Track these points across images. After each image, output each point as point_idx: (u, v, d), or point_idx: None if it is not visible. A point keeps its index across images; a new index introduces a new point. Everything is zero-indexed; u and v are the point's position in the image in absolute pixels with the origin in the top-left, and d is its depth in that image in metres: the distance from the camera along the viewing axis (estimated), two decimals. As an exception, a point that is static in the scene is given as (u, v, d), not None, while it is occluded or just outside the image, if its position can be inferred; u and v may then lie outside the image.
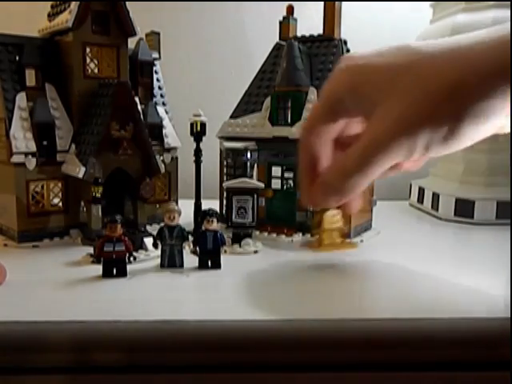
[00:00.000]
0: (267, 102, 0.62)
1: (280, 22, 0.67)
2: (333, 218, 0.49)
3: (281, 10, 0.67)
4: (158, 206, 0.64)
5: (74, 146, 0.55)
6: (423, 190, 0.79)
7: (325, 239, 0.50)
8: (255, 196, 0.56)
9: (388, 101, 0.34)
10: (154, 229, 0.57)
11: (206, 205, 0.55)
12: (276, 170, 0.62)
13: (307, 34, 0.65)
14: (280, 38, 0.67)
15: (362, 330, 0.34)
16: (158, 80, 0.67)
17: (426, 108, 0.32)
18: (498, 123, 0.32)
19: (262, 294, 0.41)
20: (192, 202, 0.59)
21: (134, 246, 0.47)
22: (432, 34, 0.74)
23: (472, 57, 0.31)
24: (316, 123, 0.37)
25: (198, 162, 0.58)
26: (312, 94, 0.60)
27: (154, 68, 0.66)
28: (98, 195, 0.53)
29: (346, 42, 0.64)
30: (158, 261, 0.47)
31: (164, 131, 0.64)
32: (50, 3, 0.60)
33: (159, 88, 0.67)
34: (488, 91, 0.31)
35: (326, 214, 0.49)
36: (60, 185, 0.56)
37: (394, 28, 0.94)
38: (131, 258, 0.46)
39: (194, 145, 0.58)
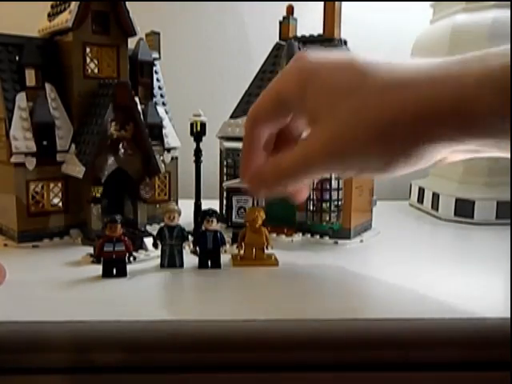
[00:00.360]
0: (267, 102, 0.62)
1: (280, 22, 0.67)
2: (255, 235, 0.49)
3: (281, 10, 0.67)
4: (157, 206, 0.64)
5: (73, 146, 0.55)
6: (423, 190, 0.79)
7: (244, 254, 0.49)
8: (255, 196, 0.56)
9: (328, 118, 0.34)
10: (153, 229, 0.57)
11: (205, 205, 0.55)
12: (276, 170, 0.62)
13: (307, 34, 0.65)
14: (280, 38, 0.67)
15: (362, 330, 0.34)
16: (158, 80, 0.67)
17: (359, 140, 0.32)
18: (435, 159, 0.33)
19: (262, 294, 0.41)
20: (192, 202, 0.59)
21: (133, 246, 0.47)
22: (432, 34, 0.74)
23: (412, 96, 0.31)
24: (260, 115, 0.38)
25: (197, 162, 0.58)
26: (312, 94, 0.60)
27: (154, 68, 0.66)
28: (98, 195, 0.53)
29: (345, 42, 0.64)
30: (158, 261, 0.47)
31: (164, 131, 0.64)
32: (49, 3, 0.60)
33: (159, 88, 0.67)
34: (420, 136, 0.31)
35: (248, 229, 0.49)
36: (60, 185, 0.56)
37: (394, 28, 0.94)
38: (131, 258, 0.46)
39: (194, 145, 0.58)
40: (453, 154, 0.34)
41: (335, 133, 0.34)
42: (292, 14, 0.67)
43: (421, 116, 0.30)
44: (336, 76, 0.35)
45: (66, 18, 0.54)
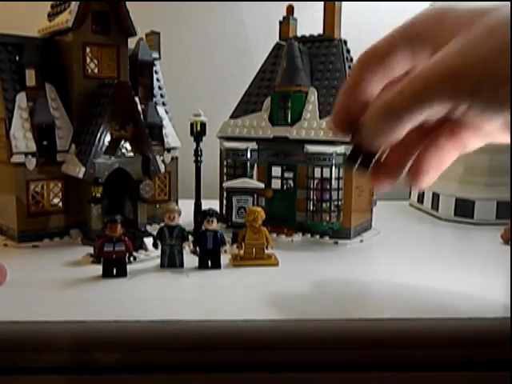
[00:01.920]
0: (267, 101, 0.62)
1: (280, 22, 0.67)
2: (255, 235, 0.48)
3: (281, 10, 0.67)
4: (157, 205, 0.64)
5: (73, 146, 0.55)
6: (423, 190, 0.79)
7: (245, 253, 0.49)
8: (255, 196, 0.56)
9: (457, 40, 0.32)
10: (154, 229, 0.57)
11: (206, 205, 0.55)
12: (276, 170, 0.62)
13: (307, 34, 0.65)
14: (280, 38, 0.67)
15: (362, 330, 0.34)
16: (158, 80, 0.67)
17: (488, 60, 0.29)
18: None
19: (262, 294, 0.41)
20: (192, 202, 0.59)
21: (133, 246, 0.47)
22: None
23: None
24: (383, 46, 0.36)
25: (197, 162, 0.58)
26: (312, 94, 0.60)
27: (154, 68, 0.66)
28: (98, 195, 0.53)
29: (346, 42, 0.64)
30: (158, 261, 0.47)
31: (164, 131, 0.64)
32: (49, 3, 0.60)
33: (159, 88, 0.67)
34: None
35: (249, 229, 0.49)
36: (60, 185, 0.56)
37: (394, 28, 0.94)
38: (131, 258, 0.46)
39: (194, 145, 0.58)
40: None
41: (462, 49, 0.31)
42: (292, 13, 0.67)
43: None
44: (472, 9, 0.33)
45: (66, 17, 0.54)
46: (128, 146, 0.54)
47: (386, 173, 0.37)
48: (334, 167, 0.56)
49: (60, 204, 0.56)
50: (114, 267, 0.44)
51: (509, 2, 0.32)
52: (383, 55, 0.35)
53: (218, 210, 0.49)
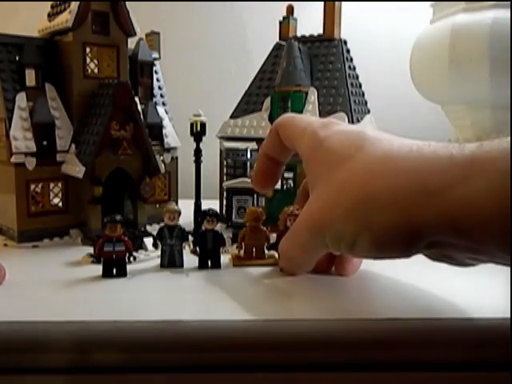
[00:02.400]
0: (267, 101, 0.63)
1: (280, 22, 0.67)
2: (255, 235, 0.49)
3: (281, 10, 0.67)
4: (158, 205, 0.64)
5: (73, 145, 0.55)
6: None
7: (245, 253, 0.49)
8: (255, 196, 0.56)
9: (318, 189, 0.36)
10: (153, 229, 0.57)
11: (205, 205, 0.55)
12: (276, 170, 0.62)
13: (307, 34, 0.65)
14: (280, 38, 0.67)
15: (362, 330, 0.34)
16: (158, 80, 0.67)
17: (335, 213, 0.34)
18: (416, 247, 0.34)
19: (262, 294, 0.41)
20: (192, 202, 0.59)
21: (133, 246, 0.47)
22: (432, 34, 0.74)
23: (392, 174, 0.31)
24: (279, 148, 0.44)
25: (197, 162, 0.58)
26: (312, 94, 0.60)
27: (154, 68, 0.66)
28: (98, 195, 0.53)
29: (345, 42, 0.64)
30: (158, 261, 0.47)
31: (164, 131, 0.64)
32: (49, 3, 0.60)
33: (159, 88, 0.67)
34: (397, 217, 0.31)
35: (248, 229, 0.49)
36: (60, 185, 0.56)
37: (394, 28, 0.94)
38: (131, 258, 0.46)
39: (194, 145, 0.58)
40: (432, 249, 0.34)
41: (319, 205, 0.36)
42: (292, 13, 0.67)
43: (402, 194, 0.30)
44: (338, 145, 0.36)
45: (66, 17, 0.54)
46: (128, 146, 0.54)
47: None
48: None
49: (60, 204, 0.56)
50: (114, 267, 0.44)
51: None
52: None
53: (218, 210, 0.49)
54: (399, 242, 0.33)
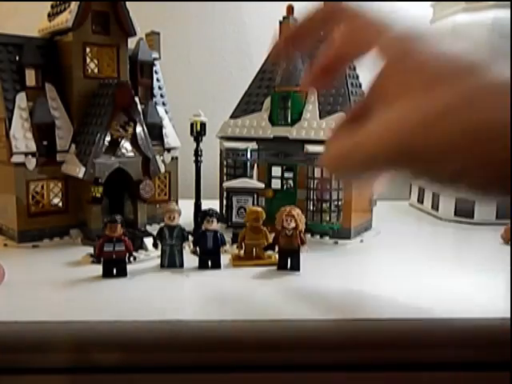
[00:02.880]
0: (267, 101, 0.62)
1: (280, 22, 0.67)
2: (255, 235, 0.48)
3: (281, 10, 0.67)
4: (158, 205, 0.64)
5: (73, 146, 0.55)
6: (423, 190, 0.79)
7: (245, 253, 0.49)
8: (255, 196, 0.56)
9: (415, 96, 0.26)
10: (154, 229, 0.57)
11: (206, 205, 0.55)
12: (276, 170, 0.62)
13: (307, 34, 0.65)
14: (280, 38, 0.67)
15: (362, 330, 0.34)
16: (158, 80, 0.67)
17: (447, 139, 0.25)
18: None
19: (262, 294, 0.41)
20: (192, 202, 0.59)
21: (133, 246, 0.47)
22: (432, 34, 0.74)
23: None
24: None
25: (197, 162, 0.58)
26: (312, 94, 0.60)
27: (154, 68, 0.66)
28: (98, 195, 0.53)
29: (346, 42, 0.63)
30: (158, 261, 0.47)
31: (164, 131, 0.64)
32: (49, 3, 0.60)
33: (159, 88, 0.67)
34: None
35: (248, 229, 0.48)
36: (60, 185, 0.56)
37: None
38: (131, 258, 0.46)
39: (194, 145, 0.58)
40: None
41: (415, 120, 0.26)
42: (292, 13, 0.67)
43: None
44: (456, 52, 0.26)
45: (66, 17, 0.54)
46: (128, 145, 0.54)
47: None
48: (334, 167, 0.56)
49: (60, 204, 0.56)
50: (114, 267, 0.44)
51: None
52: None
53: (218, 210, 0.49)
54: None
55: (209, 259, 0.47)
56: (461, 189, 0.26)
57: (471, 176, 0.25)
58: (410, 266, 0.49)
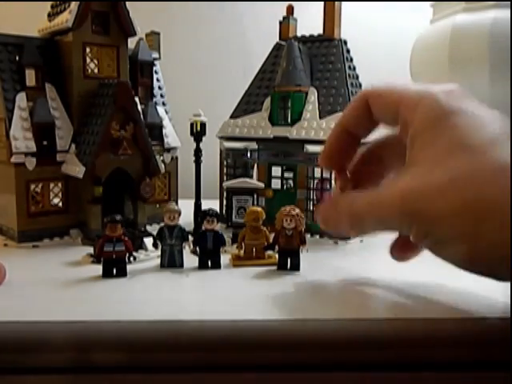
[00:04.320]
0: (267, 101, 0.63)
1: (280, 22, 0.67)
2: (255, 235, 0.48)
3: (281, 9, 0.67)
4: (158, 205, 0.64)
5: (73, 145, 0.55)
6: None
7: (245, 253, 0.49)
8: (255, 196, 0.56)
9: (426, 166, 0.30)
10: (154, 229, 0.57)
11: (206, 205, 0.55)
12: (276, 170, 0.62)
13: (307, 34, 0.65)
14: (280, 38, 0.67)
15: (362, 330, 0.34)
16: (158, 80, 0.67)
17: (443, 208, 0.29)
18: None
19: (262, 294, 0.41)
20: (192, 202, 0.59)
21: (133, 246, 0.47)
22: (432, 34, 0.74)
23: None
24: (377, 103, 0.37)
25: (197, 162, 0.58)
26: (312, 94, 0.60)
27: (154, 68, 0.66)
28: (98, 195, 0.53)
29: (346, 42, 0.64)
30: (158, 261, 0.47)
31: (164, 131, 0.64)
32: (49, 3, 0.60)
33: (159, 88, 0.67)
34: None
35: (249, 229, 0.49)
36: (60, 185, 0.56)
37: (394, 28, 0.94)
38: (131, 258, 0.46)
39: (194, 145, 0.58)
40: None
41: (421, 188, 0.30)
42: (292, 13, 0.67)
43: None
44: (469, 129, 0.30)
45: (66, 17, 0.54)
46: (128, 145, 0.54)
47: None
48: (334, 167, 0.56)
49: (60, 204, 0.56)
50: (114, 267, 0.44)
51: None
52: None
53: (218, 210, 0.49)
54: (499, 263, 0.28)
55: (209, 259, 0.47)
56: (453, 256, 0.32)
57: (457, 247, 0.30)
58: (409, 265, 0.49)
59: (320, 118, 0.59)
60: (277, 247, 0.47)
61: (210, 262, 0.47)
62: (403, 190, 0.31)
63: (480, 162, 0.28)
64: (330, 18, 0.62)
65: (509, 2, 0.64)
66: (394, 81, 0.37)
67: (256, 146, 0.61)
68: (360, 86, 0.65)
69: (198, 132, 0.57)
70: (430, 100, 0.32)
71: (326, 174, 0.56)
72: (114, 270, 0.44)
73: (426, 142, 0.31)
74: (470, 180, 0.28)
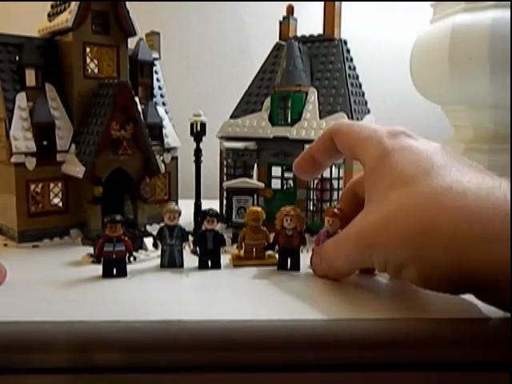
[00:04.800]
0: (267, 101, 0.63)
1: (280, 22, 0.67)
2: (255, 235, 0.48)
3: (281, 10, 0.67)
4: (158, 205, 0.64)
5: (73, 145, 0.55)
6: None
7: (245, 253, 0.49)
8: (255, 196, 0.56)
9: (375, 203, 0.35)
10: (153, 229, 0.57)
11: (206, 205, 0.55)
12: (276, 170, 0.62)
13: (307, 34, 0.65)
14: (280, 38, 0.67)
15: (362, 330, 0.34)
16: (158, 80, 0.67)
17: (388, 237, 0.33)
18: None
19: (262, 294, 0.41)
20: (192, 202, 0.59)
21: (133, 246, 0.47)
22: (432, 34, 0.74)
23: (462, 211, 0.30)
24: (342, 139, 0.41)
25: (197, 162, 0.58)
26: (312, 94, 0.60)
27: (154, 68, 0.66)
28: (98, 195, 0.53)
29: (346, 42, 0.64)
30: (158, 261, 0.47)
31: (164, 131, 0.64)
32: (49, 3, 0.60)
33: (159, 88, 0.67)
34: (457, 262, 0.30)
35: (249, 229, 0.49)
36: (60, 185, 0.56)
37: (394, 28, 0.94)
38: (131, 258, 0.46)
39: (194, 145, 0.58)
40: None
41: (372, 221, 0.34)
42: (292, 13, 0.67)
43: (462, 235, 0.29)
44: (405, 164, 0.33)
45: (66, 17, 0.54)
46: (128, 146, 0.54)
47: None
48: (333, 167, 0.56)
49: (60, 204, 0.56)
50: (114, 267, 0.44)
51: None
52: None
53: (218, 210, 0.49)
54: (448, 282, 0.32)
55: (209, 259, 0.47)
56: (410, 278, 0.34)
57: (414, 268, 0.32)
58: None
59: (320, 118, 0.59)
60: (277, 247, 0.47)
61: (210, 262, 0.47)
62: (358, 226, 0.36)
63: (415, 192, 0.32)
64: (330, 17, 0.62)
65: (509, 2, 0.64)
66: (354, 122, 0.42)
67: (256, 146, 0.61)
68: (360, 85, 0.65)
69: (197, 132, 0.57)
70: (376, 141, 0.36)
71: (325, 174, 0.56)
72: (114, 270, 0.44)
73: (375, 179, 0.35)
74: (408, 208, 0.31)
